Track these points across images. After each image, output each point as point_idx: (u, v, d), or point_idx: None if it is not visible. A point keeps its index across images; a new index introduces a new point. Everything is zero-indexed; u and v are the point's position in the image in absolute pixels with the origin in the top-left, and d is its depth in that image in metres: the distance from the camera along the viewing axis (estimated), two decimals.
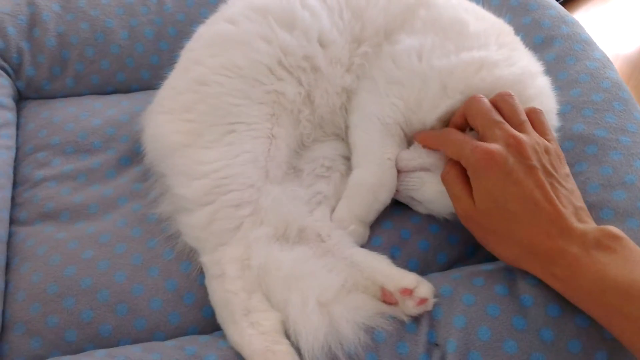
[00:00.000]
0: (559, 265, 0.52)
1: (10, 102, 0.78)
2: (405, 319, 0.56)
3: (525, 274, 0.57)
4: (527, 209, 0.53)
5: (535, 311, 0.55)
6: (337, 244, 0.63)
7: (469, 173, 0.56)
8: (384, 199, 0.65)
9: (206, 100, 0.64)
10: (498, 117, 0.58)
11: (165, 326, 0.61)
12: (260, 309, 0.57)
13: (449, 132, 0.60)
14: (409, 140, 0.67)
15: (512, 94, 0.59)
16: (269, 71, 0.65)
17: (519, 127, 0.57)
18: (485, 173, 0.55)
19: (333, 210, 0.66)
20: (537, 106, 0.61)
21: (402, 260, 0.64)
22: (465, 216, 0.58)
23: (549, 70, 0.68)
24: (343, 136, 0.71)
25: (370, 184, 0.64)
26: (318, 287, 0.57)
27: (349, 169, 0.69)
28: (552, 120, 0.65)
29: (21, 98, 0.82)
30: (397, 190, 0.65)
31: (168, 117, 0.66)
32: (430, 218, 0.67)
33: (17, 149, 0.75)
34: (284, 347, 0.54)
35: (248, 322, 0.56)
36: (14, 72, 0.81)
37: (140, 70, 0.84)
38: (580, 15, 1.84)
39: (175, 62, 0.71)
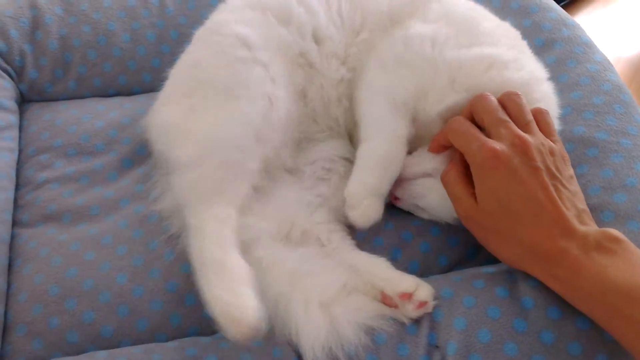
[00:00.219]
0: (559, 267, 0.52)
1: (12, 104, 0.79)
2: (406, 321, 0.57)
3: (526, 276, 0.57)
4: (530, 210, 0.53)
5: (536, 313, 0.55)
6: (337, 247, 0.63)
7: (473, 171, 0.56)
8: (395, 172, 0.62)
9: (200, 77, 0.65)
10: (504, 116, 0.57)
11: (166, 327, 0.61)
12: (232, 264, 0.55)
13: (460, 123, 0.59)
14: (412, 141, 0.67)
15: (520, 93, 0.59)
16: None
17: (525, 127, 0.57)
18: (489, 172, 0.55)
19: (334, 210, 0.66)
20: None
21: (403, 262, 0.64)
22: (467, 216, 0.58)
23: (549, 73, 0.68)
24: (338, 130, 0.71)
25: (380, 156, 0.62)
26: (320, 287, 0.57)
27: (348, 170, 0.69)
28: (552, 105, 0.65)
29: (24, 100, 0.82)
30: (401, 199, 0.65)
31: (168, 106, 0.67)
32: (431, 220, 0.66)
33: (20, 151, 0.76)
34: (248, 301, 0.52)
35: (218, 277, 0.54)
36: (17, 75, 0.81)
37: (142, 72, 0.84)
38: (582, 18, 1.84)
39: None
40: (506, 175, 0.54)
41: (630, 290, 0.48)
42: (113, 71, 0.83)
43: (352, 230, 0.66)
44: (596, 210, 0.61)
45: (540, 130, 0.58)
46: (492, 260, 0.61)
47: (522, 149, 0.55)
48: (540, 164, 0.54)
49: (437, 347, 0.55)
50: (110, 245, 0.65)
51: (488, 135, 0.57)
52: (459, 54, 0.62)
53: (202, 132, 0.62)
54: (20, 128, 0.78)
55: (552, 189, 0.54)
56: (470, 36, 0.64)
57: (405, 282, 0.57)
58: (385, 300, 0.58)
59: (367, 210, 0.60)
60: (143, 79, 0.84)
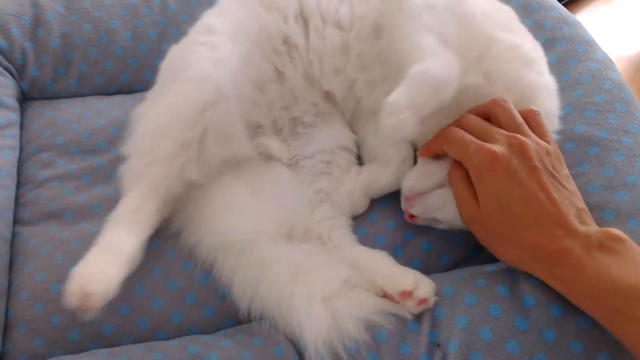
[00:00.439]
0: (562, 267, 0.52)
1: (14, 102, 0.79)
2: (408, 316, 0.57)
3: (528, 275, 0.57)
4: (531, 211, 0.53)
5: (537, 312, 0.55)
6: (338, 245, 0.63)
7: (472, 175, 0.56)
8: (440, 101, 0.57)
9: (162, 69, 0.67)
10: (492, 126, 0.58)
11: (167, 326, 0.61)
12: (105, 239, 0.57)
13: (453, 131, 0.59)
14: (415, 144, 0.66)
15: (506, 99, 0.59)
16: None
17: (517, 130, 0.57)
18: (489, 175, 0.55)
19: (336, 205, 0.66)
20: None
21: (404, 261, 0.64)
22: (469, 218, 0.58)
23: (551, 72, 0.68)
24: (321, 108, 0.70)
25: (435, 76, 0.56)
26: (322, 282, 0.58)
27: (348, 162, 0.69)
28: (552, 125, 0.64)
29: (25, 98, 0.83)
30: (417, 216, 0.63)
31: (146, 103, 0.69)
32: None
33: (21, 149, 0.76)
34: (99, 271, 0.53)
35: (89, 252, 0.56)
36: (18, 73, 0.81)
37: (143, 71, 0.84)
38: (584, 17, 1.84)
39: None
40: (506, 177, 0.54)
41: (632, 290, 0.48)
42: (114, 69, 0.83)
43: (354, 226, 0.66)
44: (597, 209, 0.61)
45: (533, 131, 0.58)
46: (494, 259, 0.60)
47: (519, 149, 0.55)
48: (538, 164, 0.54)
49: (438, 345, 0.55)
50: None
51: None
52: (496, 33, 0.62)
53: (140, 124, 0.64)
54: (22, 126, 0.78)
55: (551, 189, 0.54)
56: (507, 22, 0.65)
57: (406, 280, 0.57)
58: (386, 297, 0.58)
59: (402, 122, 0.55)
60: (144, 77, 0.84)
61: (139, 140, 0.63)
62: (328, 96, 0.71)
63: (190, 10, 0.87)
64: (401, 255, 0.65)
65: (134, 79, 0.84)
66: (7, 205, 0.69)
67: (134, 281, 0.61)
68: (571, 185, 0.57)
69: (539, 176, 0.54)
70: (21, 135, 0.77)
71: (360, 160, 0.72)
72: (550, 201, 0.53)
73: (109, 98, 0.83)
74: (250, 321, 0.60)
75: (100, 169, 0.73)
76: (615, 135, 0.67)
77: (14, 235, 0.67)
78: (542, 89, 0.63)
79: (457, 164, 0.59)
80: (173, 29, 0.85)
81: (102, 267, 0.54)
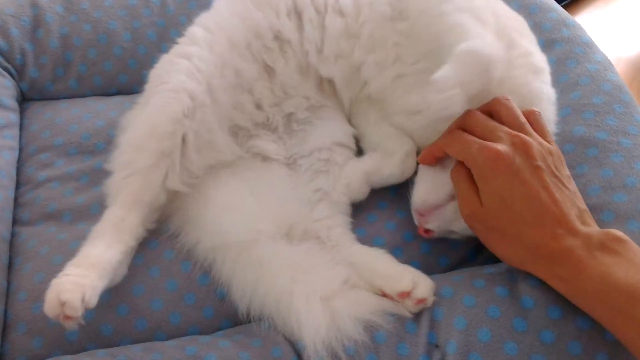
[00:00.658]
0: (563, 266, 0.52)
1: (13, 103, 0.79)
2: (408, 315, 0.57)
3: (526, 276, 0.57)
4: (533, 210, 0.53)
5: (536, 313, 0.55)
6: (337, 245, 0.63)
7: (474, 173, 0.56)
8: (492, 76, 0.56)
9: (153, 77, 0.68)
10: (497, 123, 0.58)
11: (166, 326, 0.61)
12: (86, 251, 0.57)
13: (453, 133, 0.59)
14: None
15: (509, 97, 0.59)
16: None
17: (520, 129, 0.57)
18: (492, 172, 0.55)
19: (334, 204, 0.66)
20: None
21: (404, 261, 0.64)
22: (471, 215, 0.57)
23: (550, 73, 0.68)
24: (314, 101, 0.71)
25: (484, 54, 0.55)
26: (322, 281, 0.58)
27: (346, 158, 0.69)
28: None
29: (24, 99, 0.83)
30: (434, 230, 0.62)
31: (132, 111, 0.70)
32: None
33: (21, 149, 0.76)
34: (75, 284, 0.54)
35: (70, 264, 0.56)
36: (17, 73, 0.81)
37: (142, 71, 0.83)
38: (583, 18, 1.84)
39: None
40: (509, 175, 0.54)
41: (633, 291, 0.48)
42: (113, 70, 0.84)
43: (353, 224, 0.67)
44: (596, 210, 0.61)
45: (534, 131, 0.58)
46: (493, 261, 0.61)
47: (523, 148, 0.55)
48: (541, 164, 0.55)
49: (437, 346, 0.55)
50: None
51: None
52: (516, 36, 0.63)
53: (121, 138, 0.65)
54: (21, 126, 0.78)
55: (554, 188, 0.54)
56: (522, 28, 0.66)
57: (404, 280, 0.58)
58: (386, 296, 0.58)
59: (451, 99, 0.55)
60: (143, 78, 0.84)
61: (119, 153, 0.64)
62: (322, 87, 0.71)
63: (189, 11, 0.86)
64: (401, 256, 0.64)
65: (133, 80, 0.84)
66: (6, 205, 0.69)
67: (132, 281, 0.62)
68: (572, 185, 0.57)
69: (541, 175, 0.54)
70: (20, 136, 0.77)
71: (361, 152, 0.71)
72: (553, 200, 0.53)
73: (109, 99, 0.83)
74: (249, 322, 0.60)
75: (100, 169, 0.72)
76: (614, 137, 0.68)
77: (12, 235, 0.67)
78: (544, 98, 0.64)
79: (460, 163, 0.59)
80: (172, 30, 0.85)
81: (78, 278, 0.54)
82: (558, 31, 0.81)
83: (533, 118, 0.59)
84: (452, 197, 0.60)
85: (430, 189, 0.62)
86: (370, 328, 0.56)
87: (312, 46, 0.68)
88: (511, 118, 0.58)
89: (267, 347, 0.57)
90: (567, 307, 0.54)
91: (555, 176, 0.55)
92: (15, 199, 0.71)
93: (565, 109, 0.71)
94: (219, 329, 0.61)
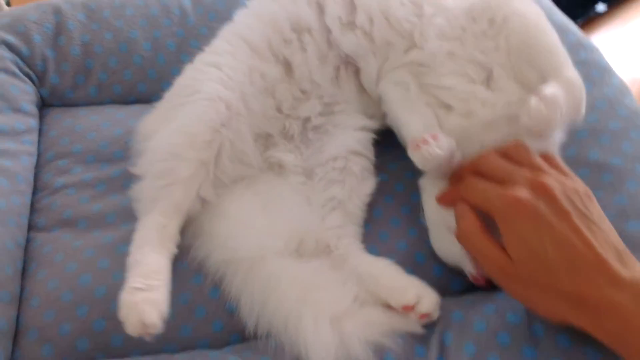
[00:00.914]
0: (611, 320, 0.47)
1: (33, 108, 0.80)
2: (418, 329, 0.57)
3: None
4: (566, 257, 0.49)
5: (546, 341, 0.55)
6: (343, 253, 0.63)
7: (498, 222, 0.52)
8: (580, 114, 0.61)
9: (177, 85, 0.69)
10: (514, 166, 0.55)
11: (175, 339, 0.61)
12: (145, 262, 0.58)
13: (470, 181, 0.57)
14: None
15: (524, 143, 0.57)
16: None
17: (538, 170, 0.54)
18: (515, 219, 0.51)
19: (348, 214, 0.66)
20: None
21: None
22: (500, 271, 0.52)
23: None
24: (328, 99, 0.70)
25: (582, 90, 0.60)
26: (331, 301, 0.58)
27: (362, 168, 0.69)
28: None
29: (44, 105, 0.83)
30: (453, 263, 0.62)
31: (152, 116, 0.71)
32: None
33: (39, 155, 0.77)
34: (147, 301, 0.54)
35: (130, 275, 0.57)
36: (38, 80, 0.82)
37: (161, 81, 0.85)
38: (600, 37, 1.82)
39: None
40: (533, 221, 0.50)
41: None
42: (133, 79, 0.84)
43: (363, 240, 0.66)
44: None
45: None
46: None
47: (544, 192, 0.51)
48: (567, 206, 0.51)
49: None
50: (125, 254, 0.64)
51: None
52: (562, 51, 0.63)
53: (151, 144, 0.65)
54: (40, 132, 0.79)
55: (585, 231, 0.49)
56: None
57: (408, 294, 0.57)
58: (391, 308, 0.58)
59: (553, 116, 0.56)
60: (162, 88, 0.85)
61: (153, 161, 0.64)
62: (339, 75, 0.71)
63: (209, 22, 0.87)
64: None
65: (152, 89, 0.84)
66: (23, 211, 0.69)
67: None
68: (606, 224, 0.52)
69: (569, 219, 0.50)
70: (39, 142, 0.78)
71: (376, 166, 0.71)
72: (586, 244, 0.49)
73: (127, 107, 0.83)
74: (258, 338, 0.60)
75: (116, 178, 0.73)
76: (630, 164, 0.67)
77: (28, 241, 0.68)
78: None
79: (467, 217, 0.55)
80: (192, 40, 0.86)
81: (150, 294, 0.55)
82: (576, 53, 0.81)
83: (547, 160, 0.57)
84: None
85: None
86: (379, 351, 0.55)
87: (336, 22, 0.68)
88: (528, 162, 0.56)
89: None
90: (576, 336, 0.54)
91: (585, 216, 0.51)
92: (32, 205, 0.71)
93: (582, 131, 0.70)
94: (228, 343, 0.61)
